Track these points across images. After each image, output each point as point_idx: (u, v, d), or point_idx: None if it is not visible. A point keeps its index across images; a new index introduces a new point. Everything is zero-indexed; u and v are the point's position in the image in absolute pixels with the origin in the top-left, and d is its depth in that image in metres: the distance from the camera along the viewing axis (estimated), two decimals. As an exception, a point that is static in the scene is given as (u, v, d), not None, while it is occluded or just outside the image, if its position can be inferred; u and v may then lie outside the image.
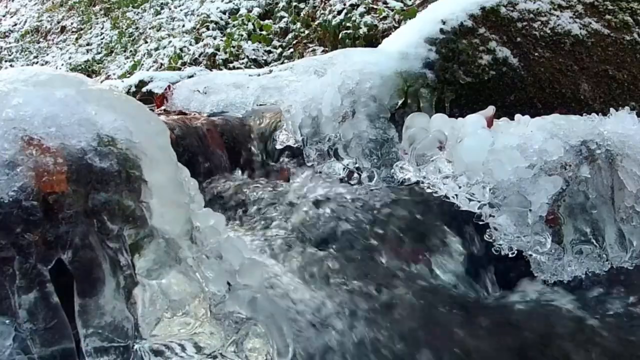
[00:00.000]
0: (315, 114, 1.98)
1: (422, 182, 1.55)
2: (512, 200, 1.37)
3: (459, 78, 2.01)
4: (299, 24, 6.25)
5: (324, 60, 2.54)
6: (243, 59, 6.16)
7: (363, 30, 5.22)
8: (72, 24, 10.67)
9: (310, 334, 1.17)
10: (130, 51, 8.59)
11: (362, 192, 1.73)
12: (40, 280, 0.90)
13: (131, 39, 8.95)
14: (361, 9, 5.53)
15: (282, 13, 6.70)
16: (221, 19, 7.39)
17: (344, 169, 1.95)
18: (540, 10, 2.21)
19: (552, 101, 2.06)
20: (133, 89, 4.00)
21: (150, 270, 1.01)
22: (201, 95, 2.61)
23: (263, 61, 6.06)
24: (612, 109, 1.52)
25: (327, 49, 5.42)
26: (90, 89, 1.10)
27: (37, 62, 9.83)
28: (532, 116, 1.55)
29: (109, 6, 10.36)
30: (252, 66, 5.75)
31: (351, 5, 5.71)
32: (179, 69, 5.97)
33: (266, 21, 6.81)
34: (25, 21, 11.55)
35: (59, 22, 10.91)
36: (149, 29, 8.74)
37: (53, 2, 11.51)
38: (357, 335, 1.20)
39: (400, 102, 1.94)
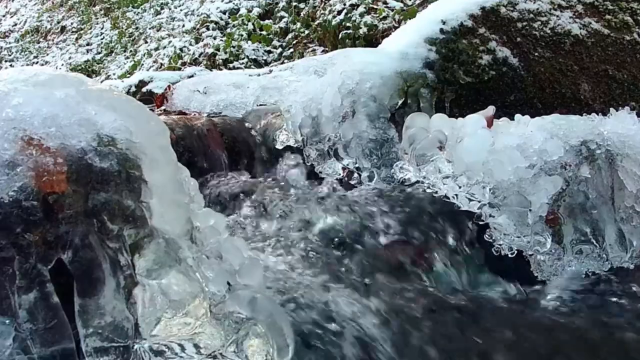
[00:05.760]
0: (315, 114, 1.98)
1: (422, 182, 1.55)
2: (512, 200, 1.37)
3: (459, 78, 2.01)
4: (299, 24, 6.25)
5: (324, 60, 2.54)
6: (243, 59, 6.16)
7: (363, 30, 5.22)
8: (72, 24, 10.67)
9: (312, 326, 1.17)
10: (130, 51, 8.59)
11: (362, 191, 1.73)
12: (40, 280, 0.90)
13: (131, 39, 8.95)
14: (361, 9, 5.53)
15: (282, 13, 6.70)
16: (221, 19, 7.39)
17: (344, 169, 1.95)
18: (540, 10, 2.21)
19: (552, 101, 2.06)
20: (133, 89, 4.00)
21: (150, 270, 1.01)
22: (201, 95, 2.61)
23: (263, 61, 6.06)
24: (612, 109, 1.52)
25: (327, 49, 5.42)
26: (90, 89, 1.10)
27: (37, 62, 9.83)
28: (532, 116, 1.55)
29: (109, 6, 10.35)
30: (252, 66, 5.75)
31: (351, 5, 5.71)
32: (179, 69, 5.97)
33: (266, 21, 6.81)
34: (25, 21, 11.55)
35: (59, 22, 10.91)
36: (149, 29, 8.74)
37: (53, 2, 11.51)
38: (356, 333, 1.21)
39: (400, 102, 1.94)
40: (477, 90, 2.02)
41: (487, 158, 1.40)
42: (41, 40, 10.79)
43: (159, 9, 9.21)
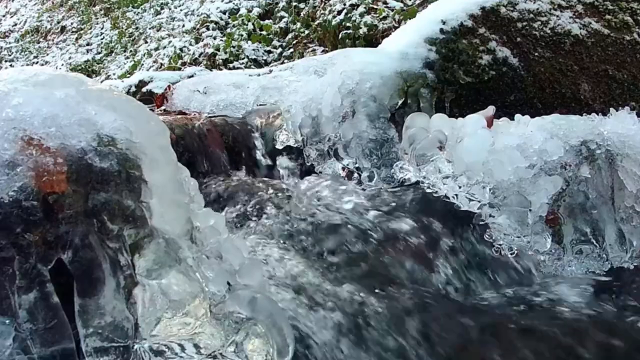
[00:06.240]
0: (315, 114, 1.98)
1: (422, 182, 1.55)
2: (512, 200, 1.37)
3: (459, 78, 2.01)
4: (299, 24, 6.25)
5: (324, 60, 2.54)
6: (243, 59, 6.16)
7: (363, 30, 5.22)
8: (72, 24, 10.67)
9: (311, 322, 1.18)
10: (130, 51, 8.59)
11: (362, 191, 1.73)
12: (40, 280, 0.90)
13: (131, 39, 8.95)
14: (361, 9, 5.53)
15: (282, 13, 6.70)
16: (221, 19, 7.39)
17: (343, 169, 1.95)
18: (540, 10, 2.21)
19: (552, 101, 2.06)
20: (133, 89, 4.00)
21: (150, 270, 1.01)
22: (201, 95, 2.61)
23: (263, 61, 6.06)
24: (612, 109, 1.52)
25: (327, 49, 5.43)
26: (90, 89, 1.10)
27: (37, 62, 9.83)
28: (532, 116, 1.55)
29: (109, 6, 10.35)
30: (252, 66, 5.75)
31: (351, 5, 5.71)
32: (179, 69, 5.97)
33: (266, 21, 6.81)
34: (25, 21, 11.55)
35: (59, 22, 10.91)
36: (149, 29, 8.74)
37: (53, 2, 11.51)
38: (353, 332, 1.21)
39: (400, 102, 1.94)
40: (477, 90, 2.02)
41: (487, 158, 1.40)
42: (41, 40, 10.79)
43: (159, 9, 9.21)
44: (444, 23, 2.11)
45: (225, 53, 6.30)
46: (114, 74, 7.85)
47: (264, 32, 6.53)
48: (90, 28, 10.18)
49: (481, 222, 1.42)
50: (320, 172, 2.00)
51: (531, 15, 2.18)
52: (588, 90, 2.09)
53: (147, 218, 1.02)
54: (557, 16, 2.20)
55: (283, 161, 2.21)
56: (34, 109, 0.97)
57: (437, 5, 2.32)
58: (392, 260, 1.46)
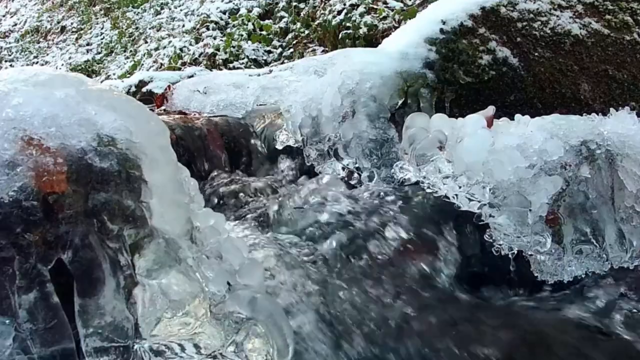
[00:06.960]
0: (315, 114, 1.98)
1: (422, 182, 1.55)
2: (512, 200, 1.37)
3: (459, 78, 2.01)
4: (299, 24, 6.25)
5: (324, 60, 2.54)
6: (243, 59, 6.16)
7: (363, 30, 5.22)
8: (72, 24, 10.67)
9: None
10: (130, 51, 8.59)
11: (362, 192, 1.73)
12: (40, 280, 0.90)
13: (131, 39, 8.96)
14: (361, 9, 5.53)
15: (282, 13, 6.70)
16: (221, 19, 7.39)
17: (343, 169, 1.95)
18: (540, 10, 2.21)
19: (552, 101, 2.06)
20: (133, 89, 4.01)
21: (150, 270, 1.01)
22: (201, 95, 2.61)
23: (263, 61, 6.06)
24: (612, 109, 1.52)
25: (327, 49, 5.43)
26: (90, 89, 1.10)
27: (37, 62, 9.83)
28: (532, 116, 1.55)
29: (109, 6, 10.36)
30: (252, 66, 5.75)
31: (351, 5, 5.71)
32: (179, 69, 5.97)
33: (266, 21, 6.82)
34: (25, 21, 11.55)
35: (59, 22, 10.91)
36: (149, 29, 8.74)
37: (53, 2, 11.51)
38: (350, 331, 1.21)
39: (400, 102, 1.94)
40: (477, 90, 2.02)
41: (487, 158, 1.40)
42: (41, 40, 10.79)
43: (159, 9, 9.21)
44: (444, 23, 2.11)
45: (225, 53, 6.30)
46: (114, 74, 7.85)
47: (264, 32, 6.53)
48: (90, 28, 10.18)
49: (481, 222, 1.42)
50: (320, 172, 2.00)
51: (531, 15, 2.18)
52: (588, 90, 2.09)
53: (147, 218, 1.02)
54: (557, 16, 2.20)
55: (283, 161, 2.21)
56: (34, 109, 0.97)
57: (437, 5, 2.32)
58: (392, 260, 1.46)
